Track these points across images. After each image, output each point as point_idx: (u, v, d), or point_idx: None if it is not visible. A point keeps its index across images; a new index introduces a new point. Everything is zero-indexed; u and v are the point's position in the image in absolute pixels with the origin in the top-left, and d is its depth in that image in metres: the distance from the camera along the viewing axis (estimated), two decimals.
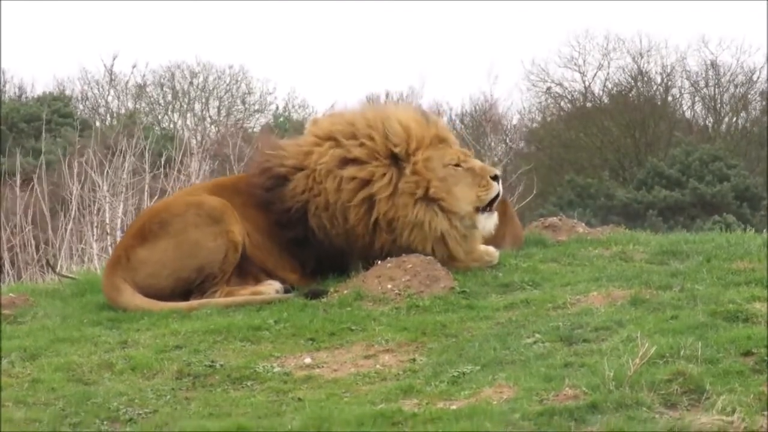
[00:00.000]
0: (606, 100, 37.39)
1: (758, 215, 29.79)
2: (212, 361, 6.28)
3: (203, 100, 37.31)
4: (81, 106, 36.71)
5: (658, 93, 37.02)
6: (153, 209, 8.36)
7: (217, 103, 37.50)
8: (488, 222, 8.00)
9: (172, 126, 35.15)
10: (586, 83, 37.80)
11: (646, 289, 6.99)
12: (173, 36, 58.08)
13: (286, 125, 31.05)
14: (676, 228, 24.55)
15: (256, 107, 38.24)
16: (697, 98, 37.09)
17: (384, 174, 7.88)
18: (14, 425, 5.45)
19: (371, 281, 7.48)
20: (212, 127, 35.25)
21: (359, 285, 7.48)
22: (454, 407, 5.29)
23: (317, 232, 7.90)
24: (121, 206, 16.19)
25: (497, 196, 8.00)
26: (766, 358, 5.58)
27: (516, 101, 61.98)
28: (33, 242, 15.80)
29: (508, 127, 38.56)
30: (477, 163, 8.09)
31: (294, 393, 5.82)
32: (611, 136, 35.63)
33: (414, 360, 6.23)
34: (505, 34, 58.00)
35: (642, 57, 37.11)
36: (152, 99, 37.48)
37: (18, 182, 16.77)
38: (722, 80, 36.55)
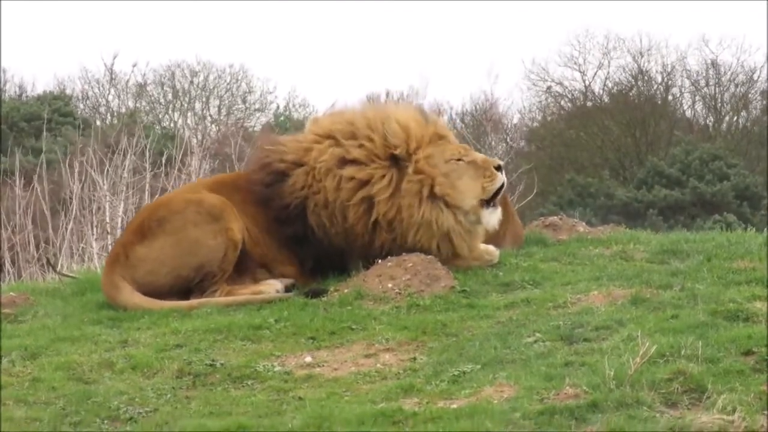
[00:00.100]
0: (606, 100, 37.41)
1: (759, 214, 29.79)
2: (213, 360, 6.28)
3: (204, 99, 37.33)
4: (81, 105, 36.73)
5: (658, 92, 37.03)
6: (152, 206, 8.33)
7: (217, 102, 37.52)
8: (492, 217, 8.00)
9: (172, 125, 35.14)
10: (587, 82, 37.84)
11: (646, 288, 6.99)
12: (174, 35, 58.10)
13: (286, 124, 31.03)
14: (676, 227, 24.56)
15: (257, 106, 38.28)
16: (697, 97, 37.10)
17: (383, 176, 7.87)
18: (15, 424, 5.45)
19: (372, 280, 7.48)
20: (213, 126, 35.27)
21: (360, 284, 7.48)
22: (454, 406, 5.29)
23: (316, 230, 7.90)
24: (122, 205, 16.19)
25: (502, 186, 8.00)
26: (766, 357, 5.58)
27: (516, 100, 61.99)
28: (33, 241, 15.80)
29: (509, 126, 38.60)
30: (479, 156, 8.10)
31: (294, 392, 5.82)
32: (612, 136, 35.64)
33: (414, 359, 6.23)
34: (506, 33, 58.03)
35: (642, 56, 37.15)
36: (153, 98, 37.50)
37: (18, 182, 16.77)
38: (723, 79, 36.56)
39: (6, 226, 16.13)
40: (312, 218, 7.89)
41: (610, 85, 37.64)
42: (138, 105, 36.75)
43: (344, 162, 7.91)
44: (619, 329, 6.18)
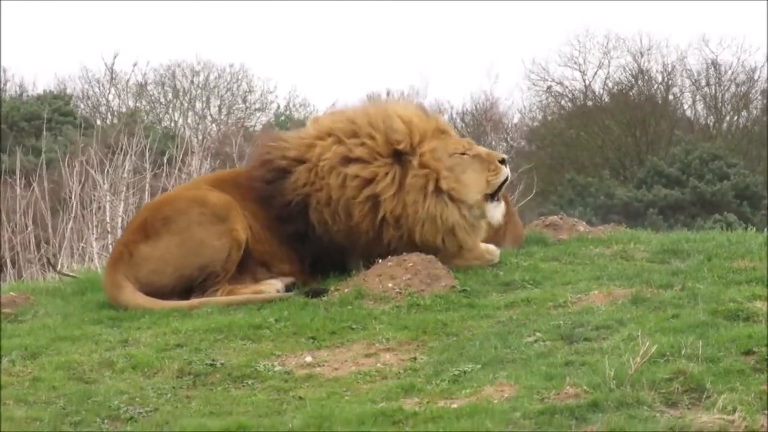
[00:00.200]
0: (607, 99, 37.41)
1: (759, 214, 29.79)
2: (213, 360, 6.28)
3: (204, 99, 37.33)
4: (82, 105, 36.72)
5: (659, 92, 37.02)
6: (155, 204, 8.27)
7: (218, 102, 37.52)
8: (496, 211, 8.00)
9: (173, 125, 35.14)
10: (587, 82, 37.84)
11: (647, 287, 6.99)
12: (174, 34, 58.11)
13: (287, 124, 31.03)
14: (676, 227, 24.55)
15: (257, 106, 38.27)
16: (698, 97, 37.10)
17: (387, 173, 7.87)
18: (15, 424, 5.45)
19: (372, 280, 7.48)
20: (213, 125, 35.27)
21: (360, 283, 7.48)
22: (454, 406, 5.29)
23: (317, 228, 7.88)
24: (122, 205, 16.19)
25: (506, 179, 8.00)
26: (766, 357, 5.57)
27: (517, 100, 62.04)
28: (34, 241, 15.81)
29: (509, 125, 38.60)
30: (482, 150, 8.10)
31: (295, 392, 5.82)
32: (612, 135, 35.63)
33: (415, 359, 6.23)
34: (506, 33, 58.03)
35: (642, 56, 37.14)
36: (153, 98, 37.50)
37: (18, 181, 16.77)
38: (723, 79, 36.56)
39: (6, 226, 16.14)
40: (314, 215, 7.88)
41: (610, 84, 37.68)
42: (138, 104, 36.75)
43: (348, 160, 7.90)
44: (619, 329, 6.17)
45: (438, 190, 7.87)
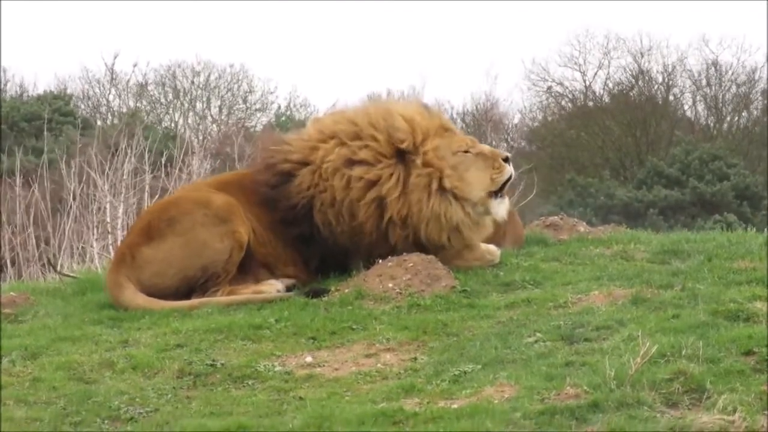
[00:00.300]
0: (607, 100, 37.42)
1: (759, 214, 29.79)
2: (213, 360, 6.28)
3: (204, 99, 37.33)
4: (82, 105, 36.72)
5: (659, 92, 37.03)
6: (159, 206, 8.27)
7: (218, 102, 37.52)
8: (501, 207, 8.00)
9: (173, 125, 35.14)
10: (587, 82, 37.84)
11: (647, 288, 6.99)
12: (174, 35, 58.11)
13: (288, 124, 31.03)
14: (676, 227, 24.55)
15: (258, 106, 38.27)
16: (698, 97, 37.11)
17: (391, 174, 7.85)
18: (15, 424, 5.45)
19: (372, 280, 7.48)
20: (214, 126, 35.27)
21: (360, 284, 7.48)
22: (455, 406, 5.29)
23: (322, 229, 7.88)
24: (122, 206, 16.19)
25: (510, 177, 7.99)
26: (766, 357, 5.57)
27: (517, 101, 62.04)
28: (34, 241, 15.81)
29: (509, 126, 38.61)
30: (486, 148, 8.09)
31: (295, 392, 5.81)
32: (612, 136, 35.65)
33: (415, 359, 6.23)
34: (506, 33, 58.04)
35: (643, 56, 37.15)
36: (153, 98, 37.50)
37: (18, 181, 16.78)
38: (724, 79, 36.57)
39: (6, 226, 16.14)
40: (318, 216, 7.87)
41: (610, 85, 37.68)
42: (139, 105, 36.75)
43: (351, 162, 7.89)
44: (619, 329, 6.17)
45: (442, 188, 7.86)
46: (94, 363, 6.31)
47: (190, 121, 35.82)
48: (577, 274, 7.67)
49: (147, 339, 6.77)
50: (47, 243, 15.88)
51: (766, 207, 30.85)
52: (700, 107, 37.50)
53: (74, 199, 16.00)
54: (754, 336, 5.78)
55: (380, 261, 7.64)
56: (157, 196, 15.72)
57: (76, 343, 6.76)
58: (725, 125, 36.90)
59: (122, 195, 16.32)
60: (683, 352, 5.58)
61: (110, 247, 15.22)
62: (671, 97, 37.23)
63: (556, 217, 9.65)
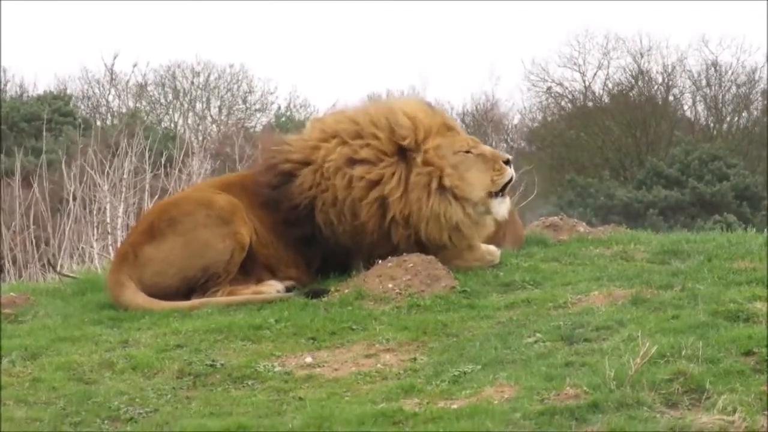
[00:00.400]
0: (607, 100, 37.42)
1: (759, 215, 29.79)
2: (213, 361, 6.28)
3: (204, 100, 37.32)
4: (82, 106, 36.72)
5: (659, 92, 37.03)
6: (161, 206, 8.27)
7: (218, 103, 37.51)
8: (501, 207, 7.99)
9: (173, 125, 35.14)
10: (586, 83, 37.84)
11: (647, 288, 6.99)
12: (174, 35, 58.12)
13: (288, 125, 31.04)
14: (676, 227, 24.54)
15: (258, 107, 38.27)
16: (698, 98, 37.12)
17: (393, 173, 7.84)
18: (15, 424, 5.45)
19: (372, 280, 7.48)
20: (213, 126, 35.27)
21: (360, 284, 7.48)
22: (455, 406, 5.29)
23: (323, 229, 7.87)
24: (122, 206, 16.19)
25: (510, 180, 7.98)
26: (766, 357, 5.57)
27: (517, 101, 62.06)
28: (33, 241, 15.81)
29: (509, 126, 38.61)
30: (487, 149, 8.08)
31: (295, 392, 5.81)
32: (612, 136, 35.66)
33: (415, 359, 6.23)
34: (506, 33, 58.06)
35: (642, 56, 37.15)
36: (153, 98, 37.50)
37: (18, 181, 16.77)
38: (724, 79, 36.58)
39: (6, 227, 16.14)
40: (320, 216, 7.86)
41: (610, 85, 37.69)
42: (138, 105, 36.75)
43: (353, 162, 7.89)
44: (619, 329, 6.17)
45: (441, 187, 7.86)
46: (94, 363, 6.32)
47: (189, 121, 35.82)
48: (576, 274, 7.67)
49: (147, 339, 6.77)
50: (47, 243, 15.88)
51: (765, 207, 30.86)
52: (700, 107, 37.54)
53: (74, 199, 15.99)
54: (754, 336, 5.78)
55: (380, 261, 7.64)
56: (157, 197, 15.72)
57: (76, 344, 6.76)
58: (725, 125, 36.91)
59: (122, 195, 16.32)
60: (683, 353, 5.58)
61: (110, 248, 15.21)
62: (671, 98, 37.25)
63: (555, 217, 9.65)
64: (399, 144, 7.88)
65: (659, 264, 7.88)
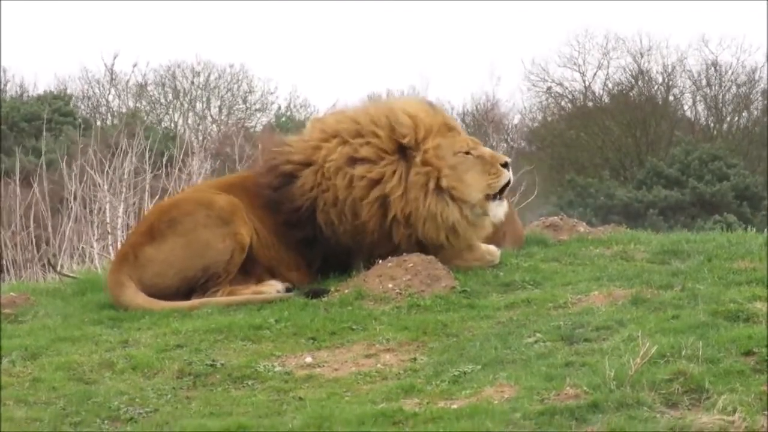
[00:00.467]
0: (606, 100, 37.42)
1: (759, 215, 29.79)
2: (213, 361, 6.28)
3: (204, 99, 37.32)
4: (82, 106, 36.71)
5: (659, 92, 37.03)
6: (162, 207, 8.28)
7: (218, 102, 37.51)
8: (499, 210, 7.97)
9: (173, 125, 35.13)
10: (586, 83, 37.84)
11: (647, 288, 6.99)
12: (174, 35, 58.12)
13: (288, 125, 31.02)
14: (676, 227, 24.55)
15: (258, 106, 38.27)
16: (698, 98, 37.12)
17: (394, 172, 7.84)
18: (15, 424, 5.45)
19: (372, 280, 7.48)
20: (213, 126, 35.27)
21: (360, 284, 7.48)
22: (455, 406, 5.29)
23: (324, 229, 7.86)
24: (122, 206, 16.19)
25: (508, 183, 7.97)
26: (766, 357, 5.57)
27: (517, 101, 62.07)
28: (34, 241, 15.81)
29: (509, 126, 38.61)
30: (487, 151, 8.06)
31: (295, 392, 5.82)
32: (612, 136, 35.65)
33: (415, 359, 6.23)
34: (506, 33, 58.06)
35: (642, 56, 37.15)
36: (153, 98, 37.50)
37: (17, 181, 16.78)
38: (724, 79, 36.58)
39: (6, 226, 16.14)
40: (321, 216, 7.86)
41: (610, 85, 37.68)
42: (138, 105, 36.75)
43: (354, 161, 7.88)
44: (619, 329, 6.17)
45: (439, 188, 7.85)
46: (94, 363, 6.32)
47: (189, 121, 35.81)
48: (577, 274, 7.67)
49: (147, 339, 6.77)
50: (47, 243, 15.88)
51: (766, 207, 30.85)
52: (700, 107, 37.53)
53: (74, 199, 15.99)
54: (754, 336, 5.78)
55: (380, 261, 7.64)
56: (157, 197, 15.72)
57: (76, 344, 6.76)
58: (725, 125, 36.90)
59: (122, 195, 16.32)
60: (683, 353, 5.58)
61: (110, 248, 15.22)
62: (671, 98, 37.25)
63: (555, 217, 9.65)
64: (399, 142, 7.88)
65: (659, 264, 7.88)
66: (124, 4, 57.46)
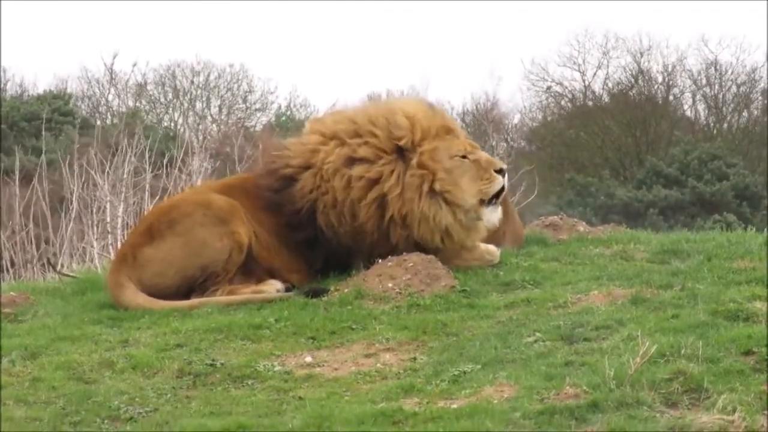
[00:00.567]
0: (606, 99, 37.41)
1: (759, 214, 29.79)
2: (213, 360, 6.28)
3: (204, 99, 37.32)
4: (82, 105, 36.71)
5: (659, 92, 37.03)
6: (161, 208, 8.31)
7: (218, 102, 37.51)
8: (493, 215, 7.96)
9: (173, 125, 35.13)
10: (586, 82, 37.84)
11: (646, 288, 6.99)
12: (174, 34, 58.11)
13: (288, 124, 31.03)
14: (676, 227, 24.55)
15: (258, 106, 38.26)
16: (698, 97, 37.11)
17: (392, 171, 7.85)
18: (15, 424, 5.45)
19: (372, 280, 7.48)
20: (213, 125, 35.26)
21: (360, 283, 7.48)
22: (454, 406, 5.29)
23: (325, 231, 7.87)
24: (122, 205, 16.19)
25: (502, 189, 7.95)
26: (766, 357, 5.58)
27: (518, 101, 62.04)
28: (33, 241, 15.81)
29: (509, 126, 38.61)
30: (483, 156, 8.04)
31: (295, 392, 5.82)
32: (612, 135, 35.65)
33: (415, 359, 6.23)
34: (506, 33, 58.06)
35: (642, 56, 37.15)
36: (153, 98, 37.49)
37: (17, 181, 16.77)
38: (724, 79, 36.58)
39: (6, 226, 16.14)
40: (321, 218, 7.87)
41: (610, 84, 37.67)
42: (138, 105, 36.74)
43: (352, 161, 7.89)
44: (619, 329, 6.17)
45: (432, 191, 7.85)
46: (93, 363, 6.32)
47: (189, 121, 35.80)
48: (576, 274, 7.67)
49: (147, 339, 6.77)
50: (47, 242, 15.88)
51: (765, 207, 30.85)
52: (700, 107, 37.52)
53: (74, 199, 15.99)
54: (754, 336, 5.78)
55: (380, 261, 7.64)
56: (157, 197, 15.72)
57: (76, 343, 6.76)
58: (725, 125, 36.89)
59: (122, 195, 16.32)
60: (683, 352, 5.58)
61: (110, 247, 15.21)
62: (671, 97, 37.24)
63: (555, 216, 9.65)
64: (396, 143, 7.88)
65: (659, 264, 7.88)
66: (124, 4, 57.49)
